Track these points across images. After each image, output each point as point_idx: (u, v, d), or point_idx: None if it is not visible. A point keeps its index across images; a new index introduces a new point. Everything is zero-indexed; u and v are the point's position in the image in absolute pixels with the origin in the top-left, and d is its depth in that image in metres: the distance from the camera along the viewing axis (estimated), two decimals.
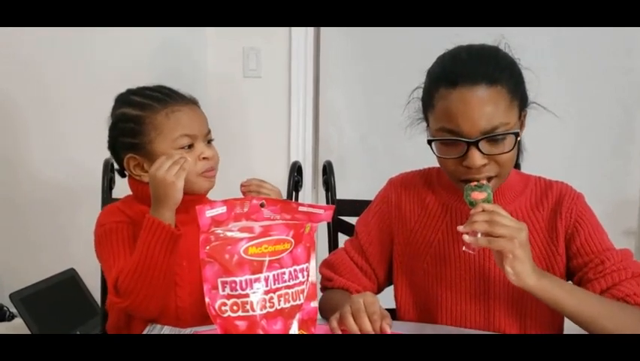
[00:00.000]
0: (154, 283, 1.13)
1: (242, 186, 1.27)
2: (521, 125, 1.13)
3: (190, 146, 1.23)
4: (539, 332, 1.16)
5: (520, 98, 1.10)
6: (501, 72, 1.06)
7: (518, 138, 1.08)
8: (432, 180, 1.25)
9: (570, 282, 1.13)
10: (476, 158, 1.04)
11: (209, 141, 1.29)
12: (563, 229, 1.14)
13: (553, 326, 1.18)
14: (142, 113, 1.23)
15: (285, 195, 1.33)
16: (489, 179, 1.08)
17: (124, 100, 1.28)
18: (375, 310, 0.98)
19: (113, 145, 1.29)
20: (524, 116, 1.14)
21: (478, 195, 1.04)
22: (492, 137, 1.04)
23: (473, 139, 1.04)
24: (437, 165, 1.18)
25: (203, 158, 1.24)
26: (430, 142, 1.10)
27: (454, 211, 1.19)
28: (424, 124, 1.18)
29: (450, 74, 1.06)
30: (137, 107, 1.24)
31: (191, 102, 1.28)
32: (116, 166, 1.36)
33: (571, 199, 1.15)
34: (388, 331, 0.97)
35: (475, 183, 1.06)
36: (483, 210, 1.01)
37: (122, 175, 1.34)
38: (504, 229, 0.98)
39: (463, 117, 1.03)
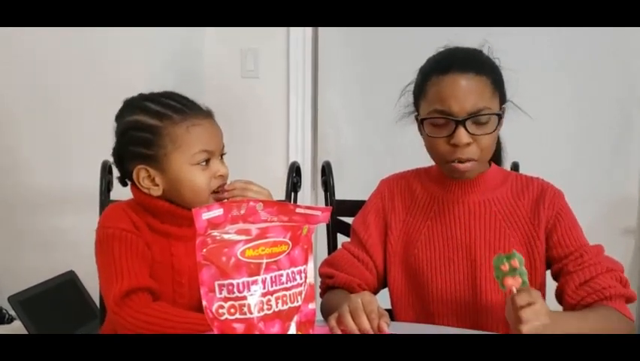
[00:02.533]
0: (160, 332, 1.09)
1: (224, 191, 1.20)
2: (499, 123, 1.21)
3: (206, 162, 1.19)
4: None
5: (500, 94, 1.21)
6: (486, 67, 1.20)
7: (501, 120, 1.20)
8: (420, 174, 1.35)
9: (569, 312, 1.16)
10: (462, 136, 1.15)
11: (222, 156, 1.24)
12: (545, 218, 1.23)
13: None
14: (159, 124, 1.17)
15: (275, 196, 1.29)
16: (469, 161, 1.17)
17: (137, 106, 1.20)
18: (373, 309, 1.00)
19: (120, 153, 1.22)
20: (502, 113, 1.22)
21: (511, 283, 0.97)
22: (478, 116, 1.15)
23: (461, 118, 1.14)
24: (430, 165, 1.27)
25: (219, 175, 1.20)
26: (422, 122, 1.20)
27: (440, 200, 1.28)
28: (413, 118, 1.27)
29: (442, 63, 1.19)
30: (154, 116, 1.17)
31: (209, 115, 1.23)
32: (116, 173, 1.28)
33: (553, 194, 1.25)
34: (386, 329, 0.98)
35: (507, 265, 0.98)
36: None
37: (124, 184, 1.26)
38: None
39: (454, 98, 1.15)
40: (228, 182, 1.24)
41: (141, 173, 1.19)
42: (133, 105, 1.22)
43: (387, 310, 1.10)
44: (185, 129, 1.17)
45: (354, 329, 0.98)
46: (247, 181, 1.21)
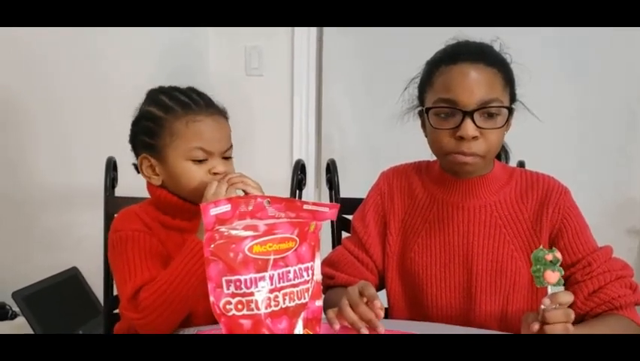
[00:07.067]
0: (178, 308, 1.09)
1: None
2: (507, 125, 1.17)
3: (203, 160, 1.18)
4: (517, 321, 1.18)
5: (510, 90, 1.17)
6: (497, 61, 1.16)
7: (511, 117, 1.15)
8: (422, 170, 1.30)
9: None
10: (469, 128, 1.09)
11: (228, 157, 1.22)
12: (549, 223, 1.19)
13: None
14: (163, 116, 1.19)
15: (280, 195, 1.28)
16: (473, 155, 1.12)
17: (152, 98, 1.24)
18: (372, 293, 1.00)
19: (133, 141, 1.25)
20: (511, 115, 1.18)
21: (552, 277, 0.97)
22: (487, 108, 1.10)
23: (469, 109, 1.09)
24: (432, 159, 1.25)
25: (214, 173, 1.18)
26: (427, 112, 1.15)
27: (440, 203, 1.24)
28: (416, 114, 1.24)
29: (451, 54, 1.15)
30: (161, 108, 1.20)
31: (216, 113, 1.22)
32: (124, 167, 1.30)
33: (558, 195, 1.20)
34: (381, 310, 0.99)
35: (551, 255, 0.97)
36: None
37: (138, 171, 1.28)
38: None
39: (462, 88, 1.10)
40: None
41: (144, 162, 1.22)
42: (150, 97, 1.25)
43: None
44: (184, 124, 1.18)
45: (356, 320, 0.98)
46: (241, 173, 1.20)
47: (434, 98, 1.14)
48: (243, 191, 1.16)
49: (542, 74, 2.14)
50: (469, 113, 1.10)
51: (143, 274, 1.12)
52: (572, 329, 0.95)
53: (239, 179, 1.16)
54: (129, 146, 1.28)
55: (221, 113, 1.24)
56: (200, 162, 1.18)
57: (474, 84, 1.10)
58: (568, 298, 0.97)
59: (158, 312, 1.08)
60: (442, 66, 1.14)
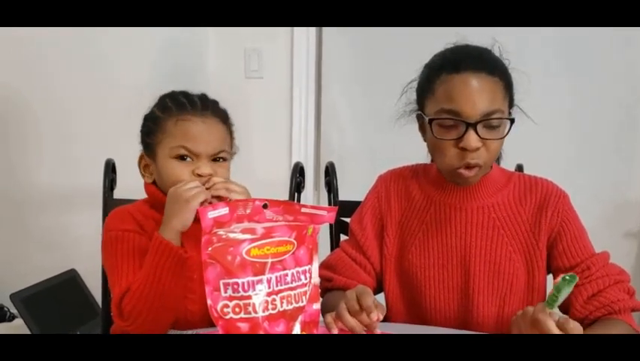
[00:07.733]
0: (160, 307, 1.08)
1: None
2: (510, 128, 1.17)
3: (188, 160, 1.17)
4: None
5: (509, 97, 1.17)
6: (498, 68, 1.15)
7: (512, 125, 1.14)
8: (419, 173, 1.31)
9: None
10: (473, 140, 1.09)
11: (219, 160, 1.21)
12: (548, 227, 1.19)
13: None
14: (160, 115, 1.21)
15: (279, 197, 1.27)
16: (476, 166, 1.12)
17: (159, 100, 1.26)
18: (369, 304, 0.99)
19: (141, 141, 1.27)
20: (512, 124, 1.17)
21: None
22: (490, 119, 1.10)
23: (473, 121, 1.09)
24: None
25: (197, 174, 1.17)
26: (430, 122, 1.14)
27: (438, 204, 1.24)
28: (413, 117, 1.24)
29: (453, 61, 1.13)
30: (161, 109, 1.22)
31: (211, 116, 1.21)
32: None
33: (557, 198, 1.20)
34: (380, 316, 0.98)
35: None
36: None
37: None
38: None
39: (465, 99, 1.09)
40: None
41: (142, 160, 1.26)
42: (158, 100, 1.27)
43: None
44: (174, 122, 1.19)
45: (353, 325, 0.98)
46: (226, 180, 1.19)
47: (436, 108, 1.13)
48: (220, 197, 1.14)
49: (539, 75, 2.14)
50: (473, 125, 1.09)
51: (129, 279, 1.11)
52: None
53: (222, 185, 1.15)
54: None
55: (218, 116, 1.23)
56: (185, 161, 1.18)
57: (476, 95, 1.10)
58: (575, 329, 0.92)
59: (143, 316, 1.08)
60: (443, 74, 1.13)
